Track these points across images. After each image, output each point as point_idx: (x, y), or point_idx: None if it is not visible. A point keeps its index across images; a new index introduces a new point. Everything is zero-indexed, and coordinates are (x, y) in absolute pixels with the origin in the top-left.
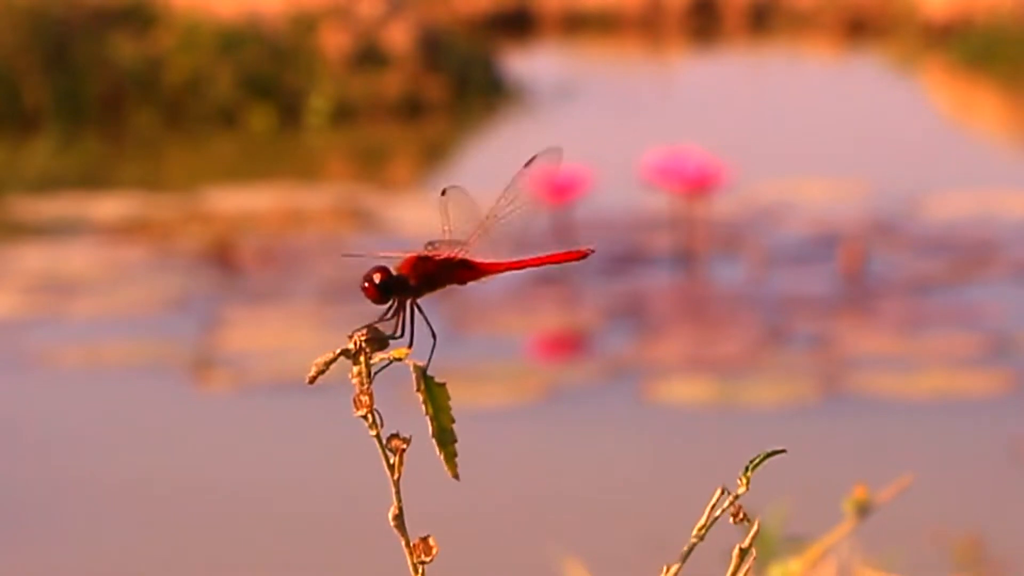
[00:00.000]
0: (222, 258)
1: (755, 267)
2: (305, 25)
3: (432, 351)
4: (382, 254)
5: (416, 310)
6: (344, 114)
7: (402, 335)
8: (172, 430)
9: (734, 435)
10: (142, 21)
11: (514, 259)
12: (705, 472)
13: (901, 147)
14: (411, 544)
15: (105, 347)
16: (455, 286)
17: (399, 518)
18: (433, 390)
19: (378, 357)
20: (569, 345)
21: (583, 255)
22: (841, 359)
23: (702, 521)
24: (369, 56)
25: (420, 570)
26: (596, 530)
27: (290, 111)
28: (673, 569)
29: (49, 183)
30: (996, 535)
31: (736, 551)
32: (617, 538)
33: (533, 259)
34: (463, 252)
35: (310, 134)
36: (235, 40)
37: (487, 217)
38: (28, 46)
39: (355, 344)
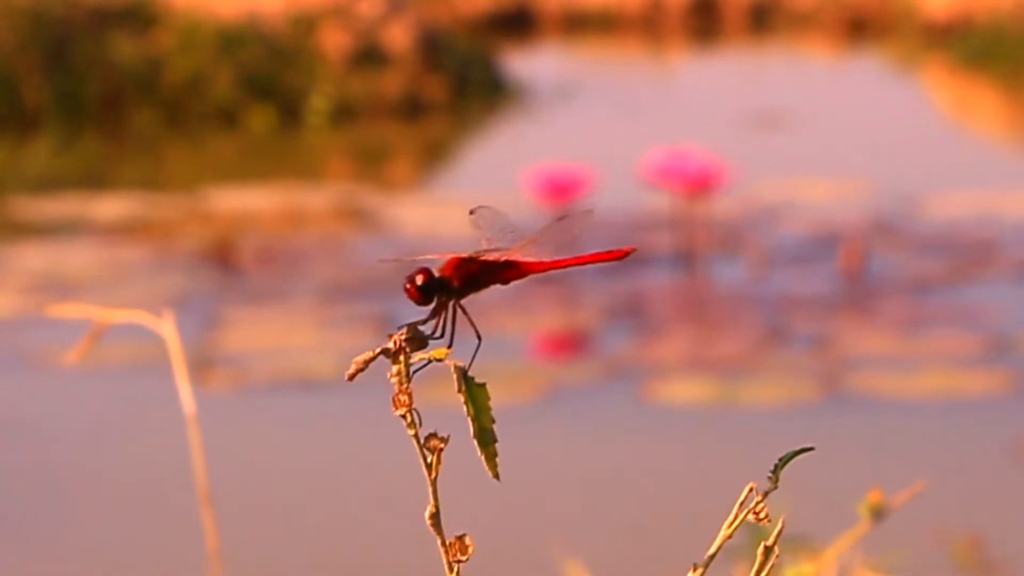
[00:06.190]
0: (222, 258)
1: (755, 267)
2: (305, 25)
3: (475, 352)
4: (421, 257)
5: (459, 312)
6: (344, 114)
7: (442, 336)
8: (172, 430)
9: (734, 435)
10: (142, 21)
11: (555, 259)
12: (705, 472)
13: (901, 147)
14: (447, 543)
15: (105, 347)
16: (497, 286)
17: (435, 517)
18: (474, 391)
19: (417, 357)
20: (569, 345)
21: (624, 254)
22: (841, 359)
23: (731, 519)
24: (369, 56)
25: (456, 569)
26: (596, 530)
27: (290, 111)
28: (699, 572)
29: (49, 183)
30: (996, 535)
31: (760, 549)
32: (617, 538)
33: (574, 259)
34: (507, 255)
35: (310, 134)
36: (235, 40)
37: (539, 232)
38: (28, 46)
39: (395, 343)
